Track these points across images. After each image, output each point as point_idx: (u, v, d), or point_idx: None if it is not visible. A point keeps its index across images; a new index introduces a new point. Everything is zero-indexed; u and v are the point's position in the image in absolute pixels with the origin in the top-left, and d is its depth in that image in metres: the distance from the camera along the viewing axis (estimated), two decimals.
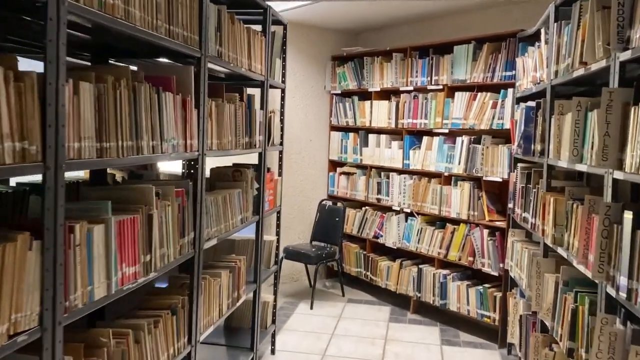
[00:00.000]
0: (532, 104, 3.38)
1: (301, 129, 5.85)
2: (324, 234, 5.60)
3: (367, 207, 5.62)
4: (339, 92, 5.88)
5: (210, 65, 2.59)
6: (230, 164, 3.71)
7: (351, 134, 5.77)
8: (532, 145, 3.34)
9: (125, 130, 1.80)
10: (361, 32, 6.09)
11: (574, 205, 2.52)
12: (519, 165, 3.84)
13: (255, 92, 3.51)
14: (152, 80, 2.04)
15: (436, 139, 4.85)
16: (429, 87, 4.90)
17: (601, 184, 2.17)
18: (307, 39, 5.82)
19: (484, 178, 4.44)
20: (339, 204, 5.66)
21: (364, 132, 5.60)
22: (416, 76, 5.04)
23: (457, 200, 4.64)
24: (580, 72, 2.50)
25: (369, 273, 5.48)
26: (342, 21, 5.57)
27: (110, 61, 2.50)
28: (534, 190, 3.35)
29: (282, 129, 3.99)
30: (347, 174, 5.85)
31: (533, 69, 3.53)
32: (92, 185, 2.42)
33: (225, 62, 2.74)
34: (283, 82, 3.97)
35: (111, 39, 2.06)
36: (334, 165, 6.06)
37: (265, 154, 3.55)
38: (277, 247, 4.07)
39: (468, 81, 4.59)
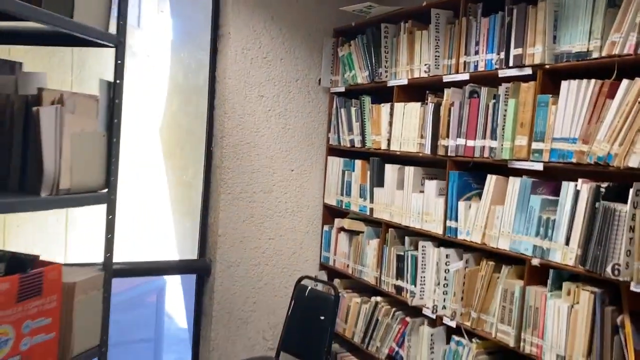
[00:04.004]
0: None
1: (276, 152, 3.41)
2: (301, 341, 3.10)
3: (379, 299, 3.08)
4: (343, 89, 3.40)
5: None
6: None
7: (358, 162, 3.26)
8: None
9: None
10: None
11: None
12: None
13: None
14: None
15: (516, 182, 2.27)
16: (503, 73, 2.34)
17: None
18: (291, 1, 3.40)
19: (633, 287, 1.81)
20: (330, 289, 3.14)
21: (378, 160, 3.09)
22: (476, 52, 2.49)
23: (560, 325, 2.03)
24: None
25: None
26: None
27: None
28: None
29: (111, 147, 1.56)
30: (350, 232, 3.34)
31: None
32: None
33: None
34: (121, 35, 1.56)
35: None
36: (331, 213, 3.56)
37: None
38: None
39: (595, 54, 2.00)
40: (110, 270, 1.59)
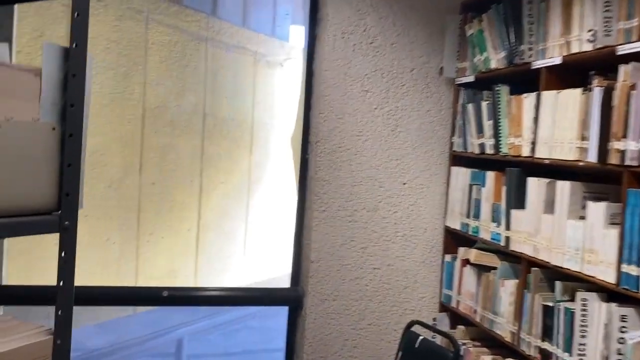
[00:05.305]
0: None
1: (384, 160, 2.73)
2: None
3: None
4: (471, 79, 2.63)
5: None
6: None
7: (490, 174, 2.45)
8: None
9: None
10: None
11: None
12: None
13: None
14: None
15: None
16: None
17: None
18: None
19: None
20: (450, 343, 2.37)
21: (518, 172, 2.25)
22: None
23: None
24: None
25: None
26: None
27: None
28: None
29: (64, 146, 1.02)
30: (478, 266, 2.53)
31: None
32: None
33: None
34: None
35: None
36: (454, 240, 2.77)
37: None
38: None
39: None
40: (68, 331, 1.05)
